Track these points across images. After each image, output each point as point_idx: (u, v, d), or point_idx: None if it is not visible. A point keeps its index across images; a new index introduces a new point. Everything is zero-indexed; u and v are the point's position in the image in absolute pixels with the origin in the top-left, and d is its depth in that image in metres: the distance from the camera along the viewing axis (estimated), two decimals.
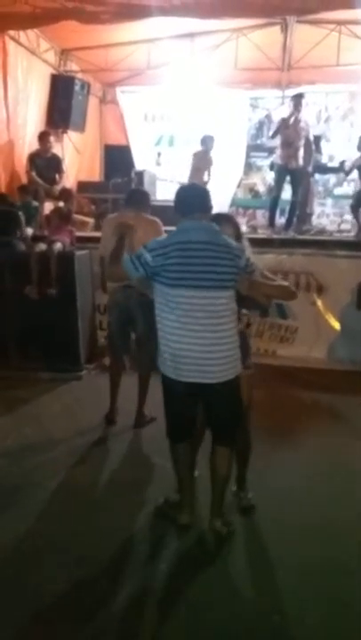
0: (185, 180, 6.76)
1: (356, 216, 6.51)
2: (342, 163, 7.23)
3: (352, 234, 6.79)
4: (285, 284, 2.76)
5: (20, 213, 5.29)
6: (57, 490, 3.06)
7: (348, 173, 6.98)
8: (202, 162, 6.77)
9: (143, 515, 2.82)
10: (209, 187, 6.65)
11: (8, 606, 2.18)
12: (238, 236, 2.65)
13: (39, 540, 2.60)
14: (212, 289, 2.35)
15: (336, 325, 5.14)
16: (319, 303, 5.15)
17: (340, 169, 7.41)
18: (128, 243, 2.77)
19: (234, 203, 8.35)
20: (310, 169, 6.94)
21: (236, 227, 2.69)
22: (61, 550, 2.52)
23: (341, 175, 7.60)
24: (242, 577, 2.41)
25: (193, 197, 2.54)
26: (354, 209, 6.54)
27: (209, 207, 2.55)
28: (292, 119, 6.52)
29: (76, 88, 7.39)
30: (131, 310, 3.68)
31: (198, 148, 7.02)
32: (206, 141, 6.83)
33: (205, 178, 6.79)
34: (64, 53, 7.64)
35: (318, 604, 2.21)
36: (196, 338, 2.36)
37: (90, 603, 2.21)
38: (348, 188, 8.09)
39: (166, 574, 2.38)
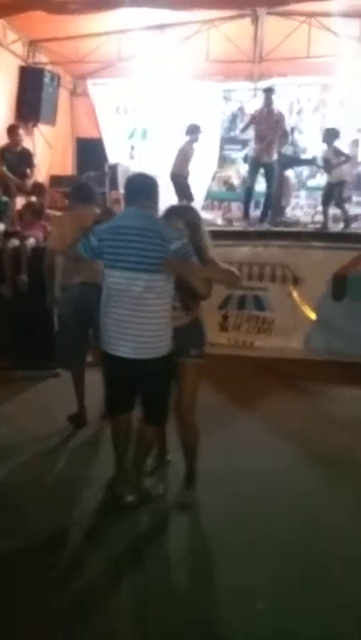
0: (161, 173, 6.70)
1: (325, 210, 6.58)
2: (314, 158, 7.32)
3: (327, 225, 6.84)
4: (231, 269, 2.78)
5: None
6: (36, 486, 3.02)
7: (319, 166, 7.03)
8: (190, 152, 6.71)
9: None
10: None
11: None
12: (194, 227, 2.72)
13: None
14: (137, 271, 2.50)
15: (312, 316, 5.19)
16: (295, 294, 5.19)
17: (312, 161, 7.48)
18: None
19: (209, 195, 8.33)
20: (283, 158, 6.95)
21: (190, 219, 2.74)
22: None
23: (314, 167, 7.66)
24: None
25: (136, 186, 2.73)
26: (324, 203, 6.61)
27: (152, 195, 2.72)
28: (262, 114, 6.55)
29: (46, 80, 7.24)
30: (90, 307, 3.43)
31: (172, 141, 6.96)
32: (193, 131, 6.76)
33: (188, 171, 6.74)
34: (32, 45, 7.46)
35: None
36: (124, 315, 2.56)
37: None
38: (321, 180, 8.15)
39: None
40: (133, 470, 2.87)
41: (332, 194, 6.46)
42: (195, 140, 6.78)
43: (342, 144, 7.68)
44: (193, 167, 6.97)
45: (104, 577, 2.37)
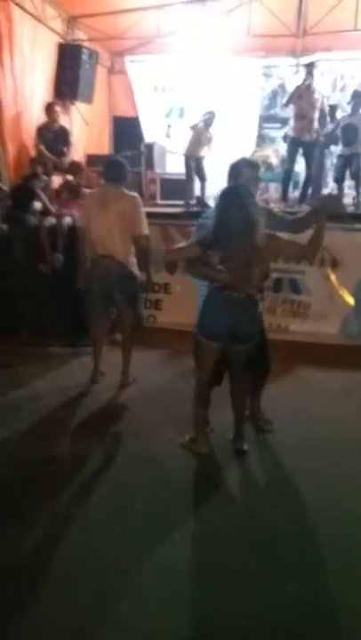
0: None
1: (340, 187, 6.33)
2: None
3: (353, 203, 6.58)
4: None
5: (38, 188, 5.23)
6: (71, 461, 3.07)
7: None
8: (202, 136, 6.57)
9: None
10: (205, 162, 6.51)
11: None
12: None
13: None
14: None
15: (350, 300, 5.05)
16: (333, 278, 5.06)
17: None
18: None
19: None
20: (322, 140, 6.72)
21: None
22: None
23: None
24: None
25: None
26: (338, 180, 6.36)
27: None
28: (305, 88, 6.32)
29: (84, 57, 7.18)
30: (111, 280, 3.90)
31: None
32: (207, 116, 6.61)
33: (203, 153, 6.58)
34: (71, 21, 7.39)
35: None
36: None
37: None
38: None
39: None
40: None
41: (352, 165, 6.17)
42: (208, 124, 6.58)
43: None
44: (229, 146, 6.82)
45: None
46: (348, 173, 6.42)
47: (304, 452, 3.20)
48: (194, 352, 3.08)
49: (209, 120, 6.56)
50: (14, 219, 5.02)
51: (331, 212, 2.90)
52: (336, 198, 2.98)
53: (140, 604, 2.11)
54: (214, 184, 6.59)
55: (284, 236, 2.88)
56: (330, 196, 2.73)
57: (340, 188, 6.44)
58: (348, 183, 6.62)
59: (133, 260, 3.94)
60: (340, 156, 6.50)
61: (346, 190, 6.58)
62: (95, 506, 2.70)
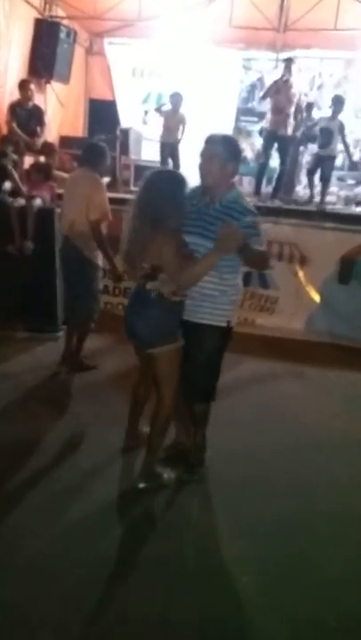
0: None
1: (310, 180, 6.47)
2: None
3: (338, 206, 6.75)
4: None
5: (10, 166, 5.07)
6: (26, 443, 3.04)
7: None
8: (171, 121, 6.56)
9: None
10: (182, 144, 6.50)
11: None
12: None
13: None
14: None
15: (317, 298, 5.14)
16: (301, 274, 5.14)
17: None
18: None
19: None
20: (298, 136, 6.81)
21: None
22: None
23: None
24: None
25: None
26: (309, 173, 6.50)
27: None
28: (283, 83, 6.36)
29: (62, 35, 6.99)
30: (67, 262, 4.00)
31: (186, 107, 6.78)
32: (173, 99, 6.59)
33: (179, 136, 6.58)
34: None
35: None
36: None
37: None
38: (336, 160, 7.97)
39: None
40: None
41: (323, 167, 6.35)
42: (176, 107, 6.56)
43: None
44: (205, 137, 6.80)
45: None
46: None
47: (275, 454, 3.17)
48: None
49: (175, 102, 6.53)
50: None
51: (223, 250, 2.37)
52: (233, 234, 2.33)
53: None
54: (189, 173, 6.62)
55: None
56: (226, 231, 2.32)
57: (311, 180, 6.58)
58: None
59: (92, 246, 3.84)
60: (314, 154, 6.63)
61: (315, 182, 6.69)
62: (50, 492, 2.68)
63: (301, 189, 7.30)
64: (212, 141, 2.57)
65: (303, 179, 7.15)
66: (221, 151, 2.52)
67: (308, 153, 7.16)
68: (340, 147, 6.61)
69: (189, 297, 2.53)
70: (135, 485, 2.71)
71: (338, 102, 6.32)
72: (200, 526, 2.52)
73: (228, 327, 2.64)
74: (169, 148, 6.55)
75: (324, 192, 6.46)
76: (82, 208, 3.76)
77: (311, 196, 6.55)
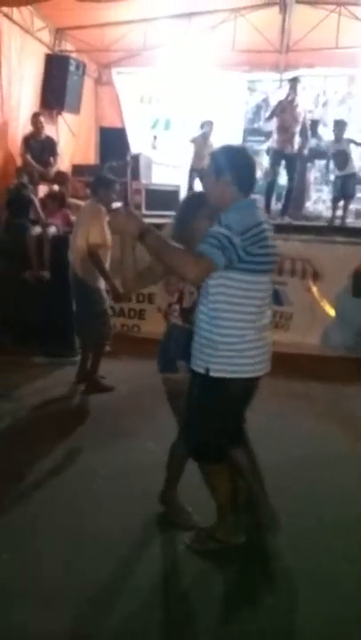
0: (182, 164, 6.75)
1: (334, 206, 6.53)
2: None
3: (349, 219, 6.77)
4: (191, 258, 2.02)
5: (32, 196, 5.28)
6: (47, 475, 3.09)
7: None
8: (202, 147, 6.71)
9: None
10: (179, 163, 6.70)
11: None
12: None
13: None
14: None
15: (331, 312, 5.15)
16: (315, 290, 5.15)
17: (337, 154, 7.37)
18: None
19: None
20: (306, 154, 6.90)
21: None
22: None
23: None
24: None
25: (252, 169, 2.23)
26: (335, 200, 6.57)
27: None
28: (288, 102, 6.48)
29: (71, 68, 7.25)
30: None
31: (195, 132, 6.95)
32: (204, 126, 6.78)
33: (205, 165, 6.72)
34: (59, 32, 7.47)
35: None
36: (268, 325, 2.28)
37: None
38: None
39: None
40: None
41: (345, 185, 6.45)
42: (207, 135, 6.76)
43: None
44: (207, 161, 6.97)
45: None
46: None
47: (287, 469, 3.14)
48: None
49: (207, 131, 6.71)
50: (17, 227, 5.04)
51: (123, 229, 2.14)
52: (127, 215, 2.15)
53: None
54: None
55: None
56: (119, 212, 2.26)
57: (335, 207, 6.63)
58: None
59: (92, 270, 3.99)
60: (336, 178, 6.70)
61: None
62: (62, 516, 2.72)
63: (311, 205, 7.37)
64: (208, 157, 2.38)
65: (312, 195, 7.23)
66: (210, 166, 2.21)
67: (316, 169, 7.24)
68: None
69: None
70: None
71: (339, 125, 6.43)
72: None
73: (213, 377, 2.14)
74: (197, 174, 6.72)
75: (346, 207, 6.51)
76: (83, 235, 3.95)
77: (333, 217, 6.57)
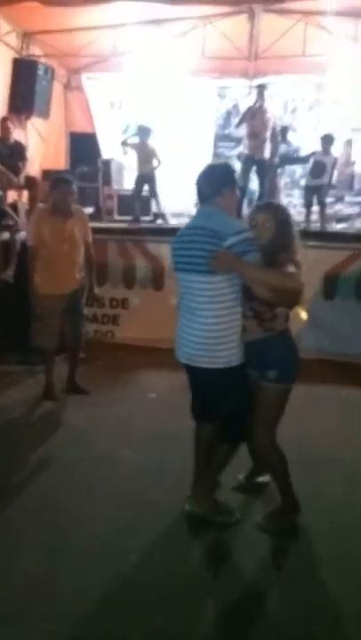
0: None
1: (308, 212, 6.65)
2: (308, 157, 7.35)
3: (319, 224, 6.86)
4: (289, 272, 2.37)
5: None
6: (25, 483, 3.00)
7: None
8: (142, 153, 6.69)
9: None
10: (158, 172, 6.64)
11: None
12: (282, 224, 2.54)
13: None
14: (189, 272, 2.43)
15: (303, 316, 5.19)
16: None
17: (306, 160, 7.48)
18: None
19: None
20: (277, 160, 6.99)
21: (280, 216, 2.55)
22: None
23: (308, 166, 7.68)
24: None
25: (203, 184, 2.47)
26: (308, 206, 6.67)
27: (219, 188, 2.52)
28: (257, 109, 6.56)
29: (40, 73, 7.16)
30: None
31: (166, 137, 6.96)
32: (140, 133, 6.78)
33: (155, 164, 6.69)
34: (27, 36, 7.37)
35: None
36: (182, 320, 2.50)
37: None
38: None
39: None
40: (200, 481, 2.67)
41: (318, 194, 6.55)
42: (144, 138, 6.73)
43: (336, 144, 7.72)
44: (185, 164, 6.96)
45: None
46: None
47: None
48: (275, 404, 2.53)
49: (142, 136, 6.67)
50: None
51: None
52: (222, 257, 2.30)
53: None
54: (174, 200, 6.74)
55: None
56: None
57: (309, 213, 6.68)
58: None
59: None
60: (307, 187, 6.79)
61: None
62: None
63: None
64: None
65: (283, 199, 7.30)
66: (231, 182, 2.54)
67: (287, 175, 7.33)
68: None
69: None
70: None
71: (326, 141, 6.55)
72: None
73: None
74: (145, 179, 6.68)
75: (322, 214, 6.59)
76: None
77: (308, 221, 6.64)
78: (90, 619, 2.09)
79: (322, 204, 6.63)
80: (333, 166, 6.61)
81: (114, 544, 2.50)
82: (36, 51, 7.57)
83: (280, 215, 2.48)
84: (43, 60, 7.52)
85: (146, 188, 6.65)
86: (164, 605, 2.15)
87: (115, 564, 2.37)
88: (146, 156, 6.65)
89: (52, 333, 4.02)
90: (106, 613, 2.11)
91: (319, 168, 6.58)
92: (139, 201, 6.61)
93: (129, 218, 6.51)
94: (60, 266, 3.93)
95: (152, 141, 6.75)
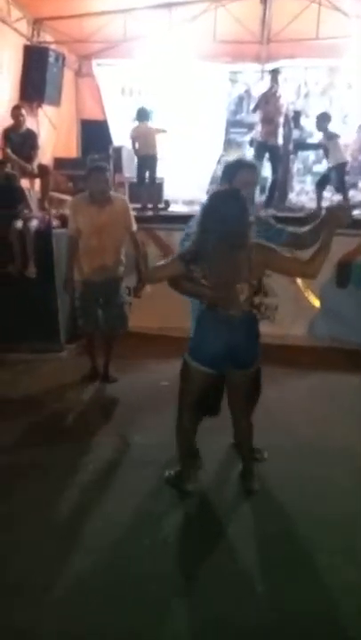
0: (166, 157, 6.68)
1: (319, 194, 6.54)
2: (321, 143, 7.25)
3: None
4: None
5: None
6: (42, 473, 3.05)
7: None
8: (141, 137, 6.65)
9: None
10: (165, 157, 6.66)
11: None
12: None
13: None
14: None
15: (316, 303, 5.18)
16: (299, 281, 5.16)
17: (318, 146, 7.38)
18: None
19: (213, 180, 8.25)
20: (291, 147, 6.90)
21: None
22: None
23: (321, 152, 7.58)
24: None
25: None
26: (318, 186, 6.56)
27: None
28: (271, 94, 6.47)
29: (51, 60, 7.12)
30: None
31: (177, 124, 6.90)
32: (138, 116, 6.74)
33: (154, 148, 6.69)
34: (37, 23, 7.32)
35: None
36: None
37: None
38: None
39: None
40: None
41: (330, 177, 6.41)
42: (143, 120, 6.73)
43: (350, 129, 7.62)
44: (198, 151, 6.93)
45: None
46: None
47: (281, 458, 3.17)
48: (181, 375, 2.68)
49: (140, 117, 6.66)
50: (1, 219, 4.94)
51: (340, 225, 2.53)
52: (345, 209, 2.58)
53: None
54: (185, 187, 6.72)
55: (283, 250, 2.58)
56: (339, 206, 2.55)
57: (319, 198, 6.56)
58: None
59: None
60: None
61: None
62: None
63: (294, 197, 7.38)
64: (251, 168, 2.79)
65: (295, 186, 7.25)
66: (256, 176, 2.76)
67: (299, 161, 7.24)
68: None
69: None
70: (251, 488, 2.81)
71: (323, 120, 6.41)
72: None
73: None
74: (145, 164, 6.67)
75: (345, 198, 6.46)
76: None
77: (317, 209, 6.56)
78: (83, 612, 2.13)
79: (337, 188, 6.49)
80: (336, 145, 6.38)
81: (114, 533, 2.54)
82: (46, 37, 7.52)
83: None
84: (53, 46, 7.47)
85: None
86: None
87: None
88: (145, 140, 6.61)
89: (88, 319, 4.14)
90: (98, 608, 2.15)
91: (324, 149, 6.45)
92: (144, 188, 6.58)
93: (140, 206, 6.50)
94: (93, 254, 3.97)
95: (164, 126, 6.69)
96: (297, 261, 2.52)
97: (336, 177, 6.39)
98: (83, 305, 4.12)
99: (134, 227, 4.10)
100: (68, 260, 4.07)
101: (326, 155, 6.44)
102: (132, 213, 4.15)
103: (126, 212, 4.07)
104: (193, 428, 2.81)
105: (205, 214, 2.45)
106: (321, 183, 6.50)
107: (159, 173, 6.85)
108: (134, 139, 6.68)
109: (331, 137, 6.35)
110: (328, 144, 6.33)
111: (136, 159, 6.79)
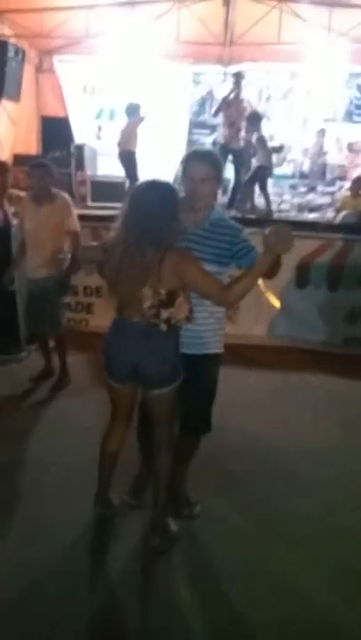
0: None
1: (249, 191, 6.76)
2: (282, 146, 7.42)
3: (292, 214, 6.95)
4: None
5: None
6: None
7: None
8: (125, 132, 6.79)
9: None
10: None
11: None
12: None
13: None
14: None
15: (277, 303, 5.24)
16: (260, 282, 5.22)
17: (280, 149, 7.52)
18: None
19: (176, 180, 8.25)
20: (252, 150, 7.00)
21: None
22: None
23: (281, 155, 7.73)
24: None
25: None
26: (247, 184, 6.78)
27: None
28: (232, 98, 6.55)
29: (10, 54, 6.93)
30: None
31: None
32: (127, 111, 6.90)
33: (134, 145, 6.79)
34: None
35: None
36: None
37: None
38: (287, 168, 8.23)
39: None
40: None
41: (257, 177, 6.67)
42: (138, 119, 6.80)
43: (309, 133, 7.80)
44: (160, 151, 6.93)
45: None
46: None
47: (235, 458, 3.20)
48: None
49: (129, 112, 6.81)
50: None
51: (275, 252, 2.18)
52: (282, 233, 2.10)
53: None
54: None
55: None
56: (276, 230, 2.07)
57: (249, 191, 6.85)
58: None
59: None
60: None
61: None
62: None
63: (257, 198, 7.48)
64: (205, 161, 2.29)
65: (256, 188, 7.34)
66: (215, 173, 2.32)
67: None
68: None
69: (185, 329, 2.28)
70: (152, 545, 2.42)
71: (254, 120, 6.68)
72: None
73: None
74: (122, 159, 6.70)
75: (267, 201, 6.67)
76: None
77: (252, 206, 6.76)
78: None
79: (261, 187, 6.73)
80: (264, 144, 6.64)
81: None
82: (5, 30, 7.33)
83: None
84: (13, 40, 7.29)
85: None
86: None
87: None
88: (127, 135, 6.62)
89: (31, 317, 4.20)
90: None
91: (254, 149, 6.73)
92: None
93: (103, 204, 6.43)
94: (31, 252, 3.97)
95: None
96: (215, 284, 2.18)
97: (260, 177, 6.63)
98: (27, 303, 4.20)
99: (76, 227, 4.01)
100: (15, 256, 4.13)
101: (255, 154, 6.67)
102: (75, 213, 4.07)
103: (66, 211, 3.96)
104: (141, 444, 2.66)
105: (124, 204, 2.21)
106: (250, 182, 6.72)
107: (120, 172, 6.83)
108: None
109: (260, 140, 6.54)
110: (257, 145, 6.54)
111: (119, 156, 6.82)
